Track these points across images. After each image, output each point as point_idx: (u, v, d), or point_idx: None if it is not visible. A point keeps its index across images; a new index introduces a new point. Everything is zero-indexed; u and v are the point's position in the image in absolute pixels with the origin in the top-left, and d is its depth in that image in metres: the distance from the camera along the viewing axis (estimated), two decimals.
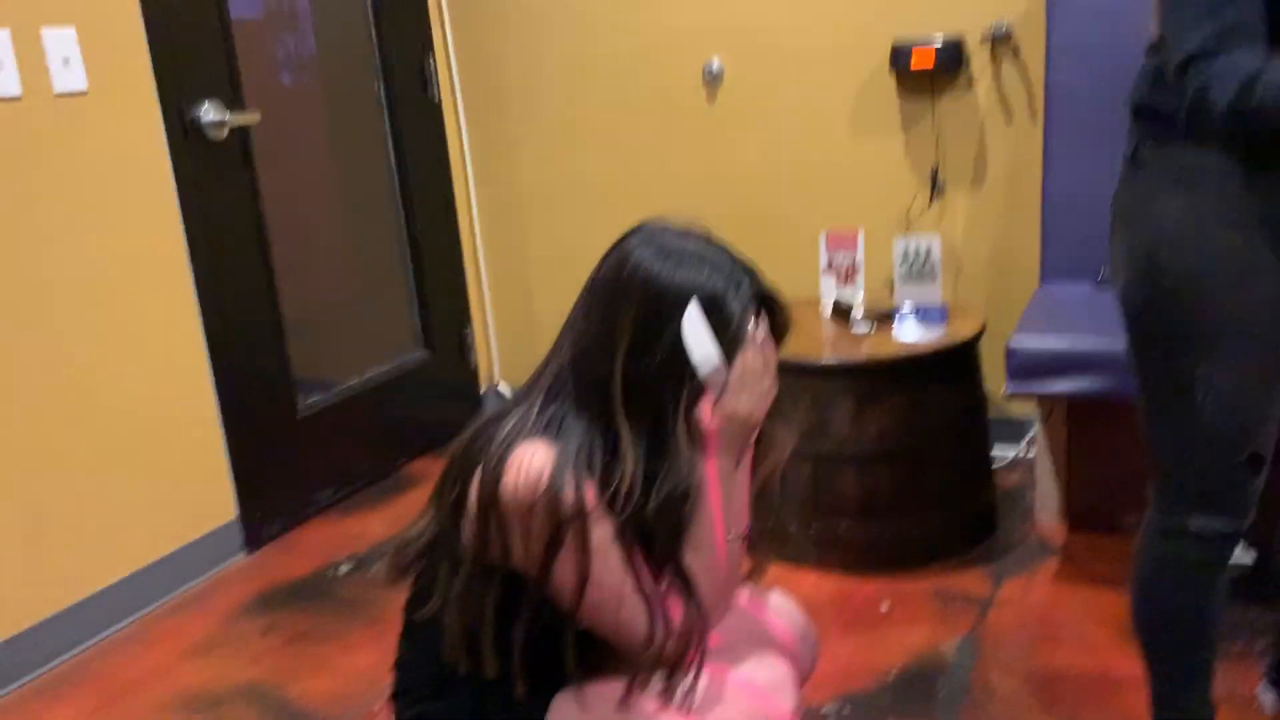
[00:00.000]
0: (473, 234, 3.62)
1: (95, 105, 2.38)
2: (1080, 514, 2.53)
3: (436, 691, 1.34)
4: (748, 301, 1.27)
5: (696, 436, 1.26)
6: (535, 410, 1.26)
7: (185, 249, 2.62)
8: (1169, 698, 1.56)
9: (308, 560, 2.75)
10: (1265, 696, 1.83)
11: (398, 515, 2.98)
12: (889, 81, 2.92)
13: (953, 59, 2.80)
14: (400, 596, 1.36)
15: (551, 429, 1.24)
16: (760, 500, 1.43)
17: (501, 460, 1.22)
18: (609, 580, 1.23)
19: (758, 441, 1.41)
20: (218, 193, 2.70)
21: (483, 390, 3.69)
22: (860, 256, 2.78)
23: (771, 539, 2.30)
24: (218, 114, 2.63)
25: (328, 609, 2.48)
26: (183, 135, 2.59)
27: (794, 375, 2.36)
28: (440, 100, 3.45)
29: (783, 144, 3.10)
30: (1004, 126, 2.86)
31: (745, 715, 1.28)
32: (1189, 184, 1.39)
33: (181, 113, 2.58)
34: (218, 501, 2.76)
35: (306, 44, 3.19)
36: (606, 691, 1.29)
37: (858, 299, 2.71)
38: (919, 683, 2.00)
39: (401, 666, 1.40)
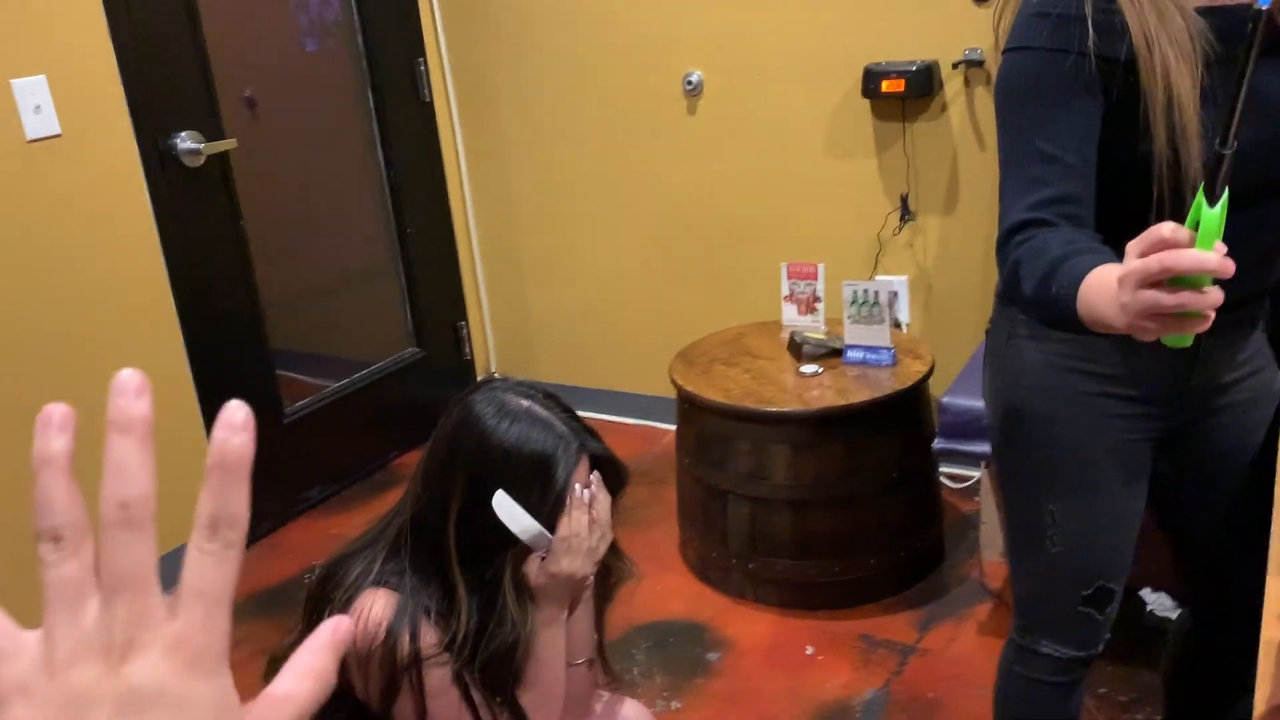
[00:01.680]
0: (468, 230, 3.69)
1: (69, 146, 2.49)
2: None
3: None
4: (573, 464, 1.33)
5: (525, 592, 1.35)
6: (379, 561, 1.36)
7: (165, 272, 2.74)
8: None
9: (288, 563, 2.92)
10: None
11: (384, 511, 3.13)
12: (862, 104, 2.89)
13: (925, 84, 2.75)
14: None
15: (393, 579, 1.34)
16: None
17: (345, 607, 1.32)
18: (447, 717, 1.34)
19: (603, 572, 1.50)
20: (196, 217, 2.81)
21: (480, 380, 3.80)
22: (820, 288, 2.80)
23: (712, 570, 2.38)
24: (195, 143, 2.72)
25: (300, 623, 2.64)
26: (160, 166, 2.69)
27: (734, 418, 2.43)
28: (433, 100, 3.49)
29: (759, 158, 3.09)
30: (977, 152, 2.82)
31: None
32: (1044, 334, 1.40)
33: (158, 144, 2.68)
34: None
35: (298, 47, 3.25)
36: None
37: (818, 330, 2.74)
38: None
39: None
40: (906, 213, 2.91)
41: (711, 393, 2.49)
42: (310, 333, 3.43)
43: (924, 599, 2.51)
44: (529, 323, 3.72)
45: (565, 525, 1.33)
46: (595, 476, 1.38)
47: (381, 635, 1.30)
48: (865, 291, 2.53)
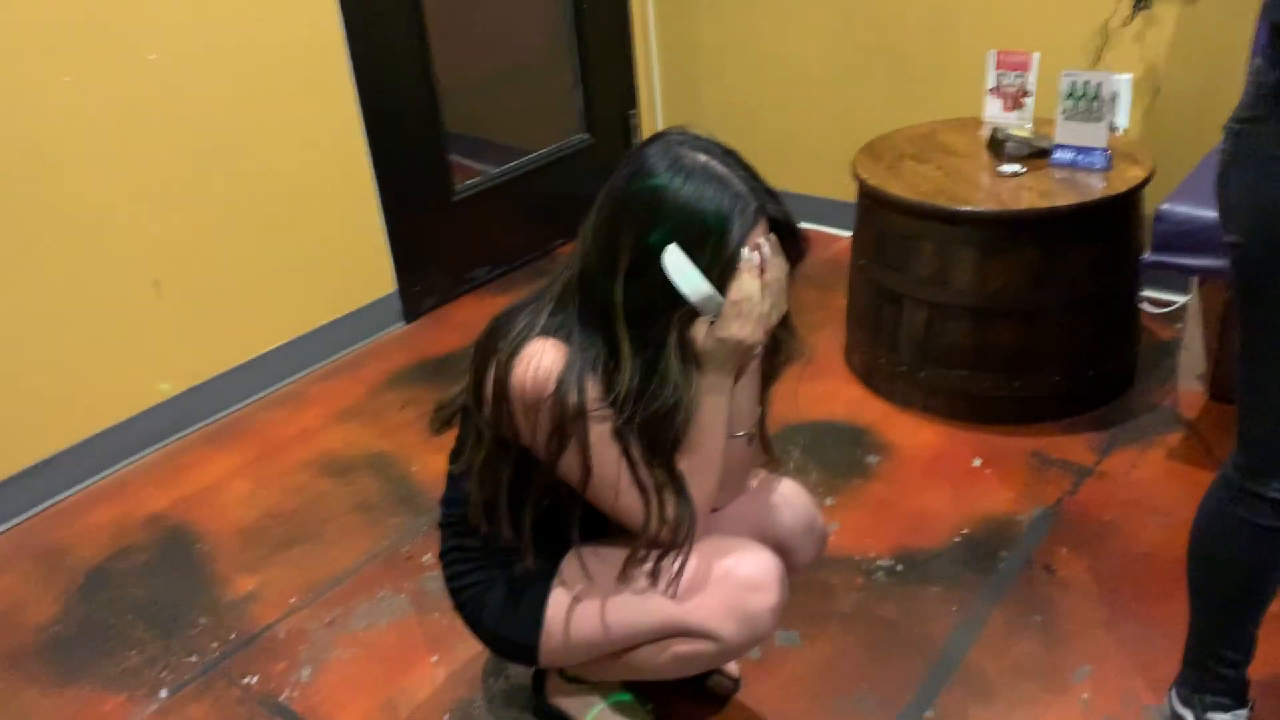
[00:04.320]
0: (645, 19, 3.51)
1: None
2: (1227, 385, 2.35)
3: (472, 529, 1.49)
4: (749, 225, 1.24)
5: (690, 356, 1.28)
6: (545, 314, 1.31)
7: (345, 48, 2.71)
8: (1208, 638, 1.51)
9: (457, 335, 2.98)
10: None
11: None
12: None
13: None
14: None
15: (561, 333, 1.29)
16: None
17: (513, 355, 1.29)
18: (607, 472, 1.31)
19: (773, 348, 1.41)
20: None
21: None
22: (1032, 81, 2.53)
23: (878, 377, 2.27)
24: None
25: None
26: None
27: (919, 217, 2.27)
28: None
29: None
30: None
31: (722, 606, 1.37)
32: None
33: None
34: (378, 275, 3.00)
35: None
36: (609, 558, 1.40)
37: (1024, 128, 2.49)
38: (982, 550, 2.01)
39: (446, 503, 1.55)
40: (1140, 1, 2.56)
41: (897, 188, 2.31)
42: (483, 118, 3.38)
43: (1107, 423, 2.34)
44: (701, 115, 3.55)
45: (736, 288, 1.25)
46: (772, 239, 1.28)
47: (551, 386, 1.27)
48: (1086, 84, 2.26)
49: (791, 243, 1.33)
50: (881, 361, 2.48)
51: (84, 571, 2.18)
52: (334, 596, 2.04)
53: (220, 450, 2.56)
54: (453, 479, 1.53)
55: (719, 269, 1.24)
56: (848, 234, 2.66)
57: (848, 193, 2.53)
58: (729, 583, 1.37)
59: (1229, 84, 2.50)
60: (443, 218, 3.14)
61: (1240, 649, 1.49)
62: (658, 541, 1.34)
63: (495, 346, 1.32)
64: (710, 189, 1.23)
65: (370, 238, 2.95)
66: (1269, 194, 1.22)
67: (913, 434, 2.36)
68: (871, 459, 2.30)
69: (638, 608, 1.40)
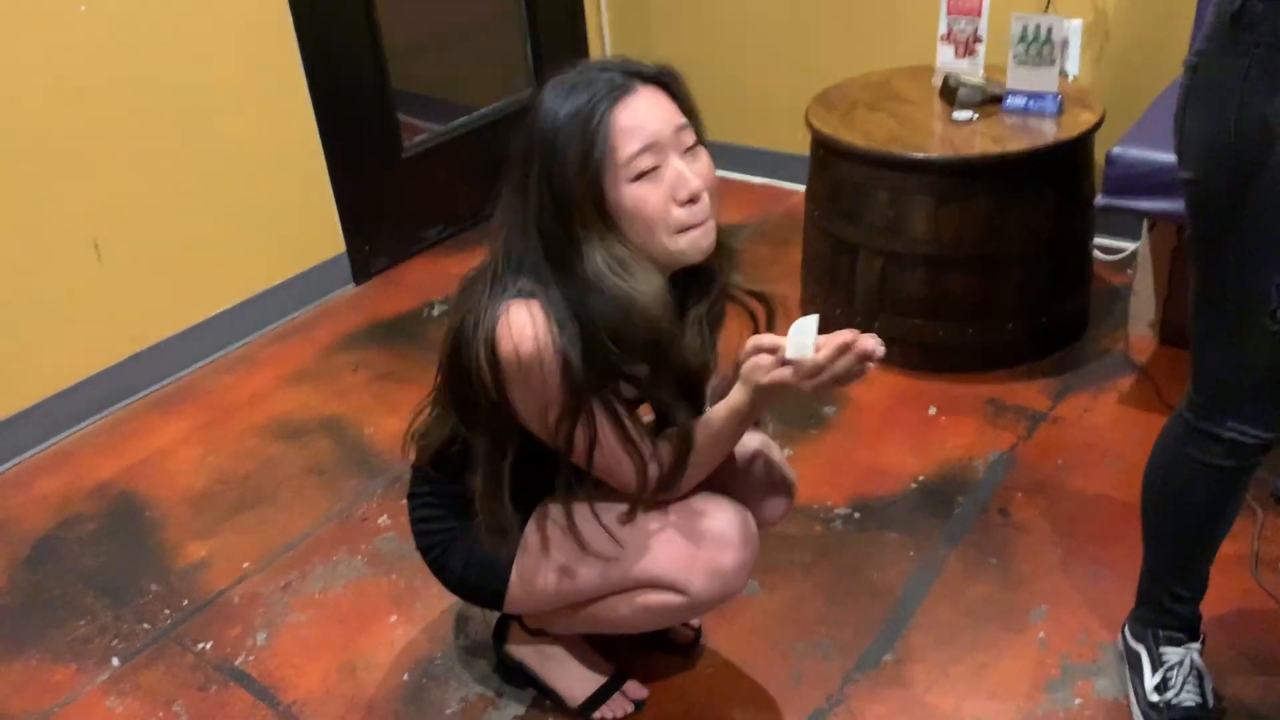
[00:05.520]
0: None
1: None
2: (1177, 329, 2.37)
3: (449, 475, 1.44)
4: (607, 105, 1.18)
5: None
6: (502, 286, 1.26)
7: (289, 8, 2.63)
8: (1162, 575, 1.53)
9: (408, 297, 2.93)
10: None
11: None
12: None
13: None
14: None
15: (526, 294, 1.23)
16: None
17: (485, 331, 1.23)
18: (606, 437, 1.29)
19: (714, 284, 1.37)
20: None
21: None
22: (984, 27, 2.51)
23: (835, 328, 2.27)
24: None
25: (415, 352, 2.66)
26: None
27: (873, 165, 2.26)
28: None
29: None
30: None
31: (691, 559, 1.36)
32: None
33: None
34: (326, 236, 2.94)
35: None
36: (582, 509, 1.37)
37: (976, 76, 2.48)
38: (938, 496, 2.03)
39: (420, 442, 1.49)
40: None
41: (851, 137, 2.30)
42: (431, 76, 3.31)
43: (1060, 369, 2.36)
44: None
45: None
46: (668, 119, 1.21)
47: (560, 357, 1.22)
48: (1037, 27, 2.25)
49: (682, 96, 1.25)
50: (837, 313, 2.47)
51: (30, 542, 2.13)
52: (289, 560, 2.01)
53: (168, 416, 2.50)
54: (426, 428, 1.46)
55: (590, 170, 1.18)
56: (802, 188, 2.64)
57: (802, 146, 2.51)
58: (699, 536, 1.36)
59: (1177, 28, 2.51)
60: (391, 176, 3.07)
61: (1193, 585, 1.51)
62: (641, 501, 1.33)
63: (469, 336, 1.26)
64: (578, 90, 1.20)
65: (318, 197, 2.88)
66: (1224, 127, 1.21)
67: (869, 384, 2.36)
68: (828, 410, 2.30)
69: (607, 549, 1.38)
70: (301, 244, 2.88)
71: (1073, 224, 2.33)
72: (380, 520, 2.09)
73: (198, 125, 2.55)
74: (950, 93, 2.42)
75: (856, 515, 1.99)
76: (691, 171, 1.22)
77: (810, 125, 2.39)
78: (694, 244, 1.25)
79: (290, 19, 2.67)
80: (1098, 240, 2.64)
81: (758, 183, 3.36)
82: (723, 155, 1.36)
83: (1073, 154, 2.25)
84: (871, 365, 1.19)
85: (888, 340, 2.41)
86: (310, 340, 2.77)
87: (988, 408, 2.26)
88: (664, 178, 1.21)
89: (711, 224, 1.26)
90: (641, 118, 1.19)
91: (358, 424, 2.40)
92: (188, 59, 2.49)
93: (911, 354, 2.39)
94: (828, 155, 2.38)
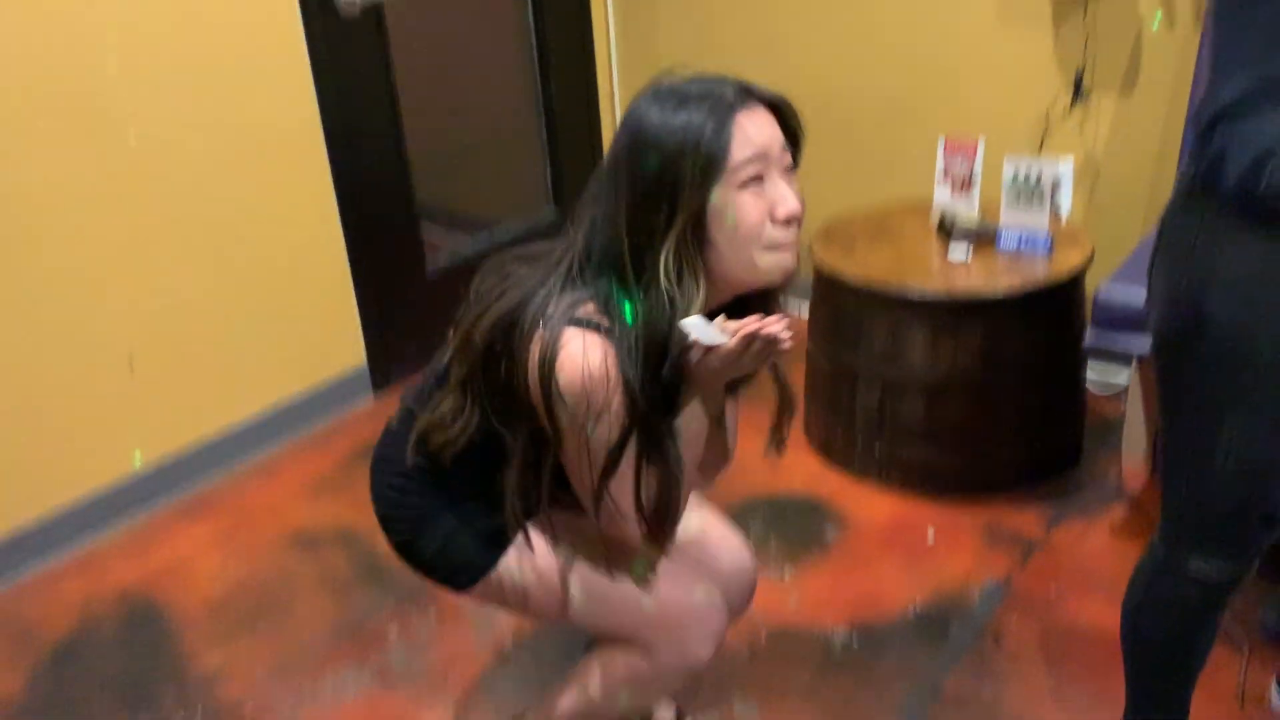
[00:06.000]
0: (612, 95, 3.64)
1: None
2: None
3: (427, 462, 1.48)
4: (725, 122, 1.20)
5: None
6: (566, 297, 1.25)
7: (319, 120, 2.80)
8: (1143, 707, 1.58)
9: None
10: (1277, 699, 1.81)
11: None
12: None
13: None
14: None
15: (591, 318, 1.23)
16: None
17: (552, 355, 1.21)
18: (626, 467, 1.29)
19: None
20: (351, 67, 2.84)
21: None
22: (978, 168, 2.65)
23: (836, 449, 2.25)
24: None
25: None
26: (318, 11, 2.72)
27: (872, 298, 2.37)
28: None
29: (923, 21, 2.91)
30: (1165, 30, 2.59)
31: (666, 622, 1.43)
32: (1252, 234, 1.22)
33: None
34: (347, 347, 3.06)
35: None
36: (573, 525, 1.43)
37: (971, 213, 2.61)
38: (935, 623, 2.08)
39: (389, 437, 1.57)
40: (1079, 91, 2.71)
41: (851, 270, 2.42)
42: (452, 189, 3.46)
43: (1055, 496, 2.43)
44: None
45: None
46: (770, 133, 1.25)
47: (620, 384, 1.21)
48: (1029, 169, 2.38)
49: (792, 120, 1.31)
50: (838, 435, 2.56)
51: (51, 646, 2.20)
52: (301, 671, 2.07)
53: (190, 523, 2.59)
54: (443, 420, 1.44)
55: (712, 175, 1.19)
56: (805, 311, 2.76)
57: (806, 270, 2.62)
58: (677, 604, 1.43)
59: (1164, 171, 2.65)
60: (415, 294, 3.20)
61: (1173, 716, 1.56)
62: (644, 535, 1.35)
63: (524, 336, 1.24)
64: (689, 105, 1.20)
65: (342, 309, 3.01)
66: (1179, 281, 1.31)
67: (869, 506, 2.44)
68: (830, 531, 2.37)
69: (592, 577, 1.43)
70: (324, 354, 3.00)
71: (1063, 358, 2.43)
72: (390, 634, 2.15)
73: (233, 244, 2.69)
74: (946, 230, 2.54)
75: (852, 641, 2.04)
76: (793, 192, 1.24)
77: (813, 258, 2.52)
78: (779, 264, 1.26)
79: (322, 133, 2.82)
80: (1092, 373, 2.73)
81: None
82: None
83: (1063, 292, 2.36)
84: (784, 346, 1.17)
85: (888, 464, 2.51)
86: (330, 451, 2.86)
87: (985, 533, 2.32)
88: (766, 192, 1.23)
89: (797, 251, 1.28)
90: (758, 126, 1.23)
91: (371, 536, 2.46)
92: (225, 179, 2.63)
93: (911, 477, 2.47)
94: (829, 286, 2.50)
